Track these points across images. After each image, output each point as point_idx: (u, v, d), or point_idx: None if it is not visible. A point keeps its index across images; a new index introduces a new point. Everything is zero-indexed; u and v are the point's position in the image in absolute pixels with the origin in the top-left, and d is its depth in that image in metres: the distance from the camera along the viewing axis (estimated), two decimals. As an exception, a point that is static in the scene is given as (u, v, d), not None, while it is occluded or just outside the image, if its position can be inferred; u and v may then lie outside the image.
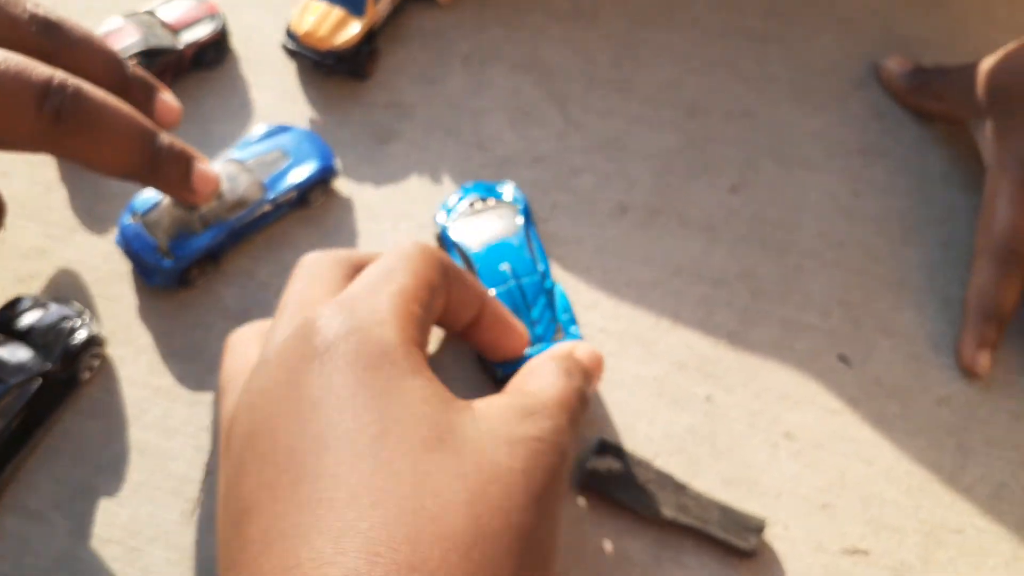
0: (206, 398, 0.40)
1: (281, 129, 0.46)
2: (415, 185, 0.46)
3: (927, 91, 0.48)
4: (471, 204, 0.44)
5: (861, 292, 0.45)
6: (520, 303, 0.41)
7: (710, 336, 0.43)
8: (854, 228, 0.46)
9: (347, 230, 0.45)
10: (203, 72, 0.49)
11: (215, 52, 0.48)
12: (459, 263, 0.42)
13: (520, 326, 0.39)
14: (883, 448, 0.41)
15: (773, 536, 0.38)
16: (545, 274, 0.42)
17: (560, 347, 0.37)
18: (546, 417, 0.31)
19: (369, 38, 0.48)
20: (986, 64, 0.45)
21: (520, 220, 0.43)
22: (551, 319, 0.41)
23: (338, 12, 0.47)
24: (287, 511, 0.26)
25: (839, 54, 0.51)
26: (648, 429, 0.41)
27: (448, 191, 0.46)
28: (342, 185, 0.46)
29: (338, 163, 0.46)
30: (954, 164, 0.48)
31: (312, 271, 0.34)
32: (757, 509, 0.39)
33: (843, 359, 0.43)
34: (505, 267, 0.42)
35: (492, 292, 0.41)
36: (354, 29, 0.47)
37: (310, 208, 0.45)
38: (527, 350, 0.40)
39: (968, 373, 0.43)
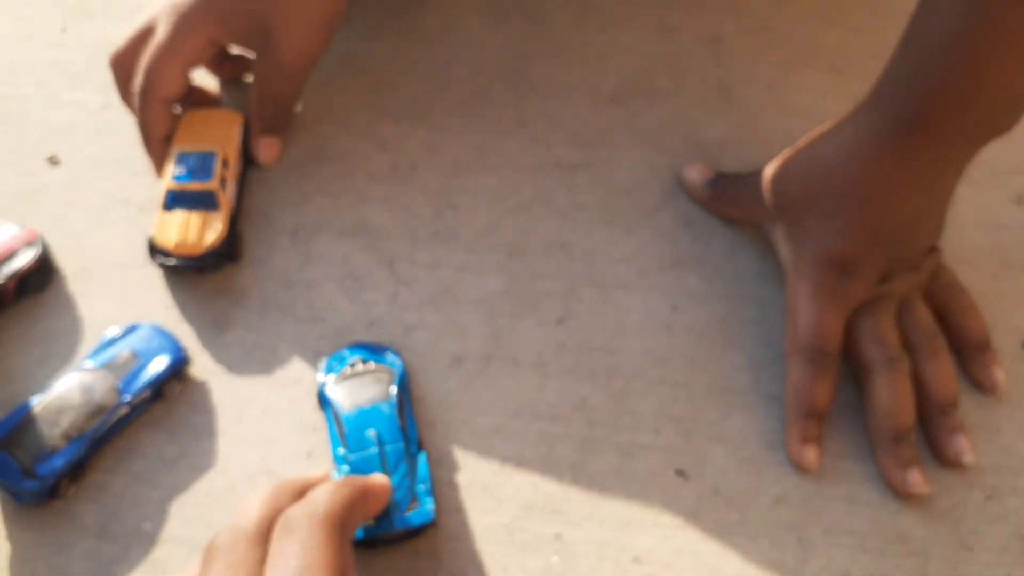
0: (66, 629, 0.41)
1: (130, 329, 0.48)
2: (255, 369, 0.48)
3: (725, 198, 0.51)
4: (352, 365, 0.46)
5: (689, 404, 0.47)
6: (380, 470, 0.43)
7: (553, 472, 0.45)
8: (675, 342, 0.49)
9: (192, 431, 0.46)
10: (31, 297, 0.50)
11: (38, 277, 0.49)
12: (331, 422, 0.44)
13: (379, 485, 0.41)
14: (728, 557, 0.43)
15: (627, 670, 0.40)
16: (412, 441, 0.44)
17: None
18: None
19: (233, 224, 0.50)
20: (768, 172, 0.48)
21: (394, 389, 0.45)
22: (409, 488, 0.43)
23: (196, 215, 0.49)
24: None
25: (645, 170, 0.54)
26: (499, 582, 0.42)
27: (291, 371, 0.48)
28: (197, 369, 0.48)
29: (188, 352, 0.47)
30: (765, 261, 0.51)
31: (229, 559, 0.35)
32: (612, 643, 0.41)
33: (680, 473, 0.45)
34: (371, 433, 0.44)
35: (345, 469, 0.43)
36: (218, 224, 0.49)
37: (166, 401, 0.47)
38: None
39: (799, 468, 0.45)
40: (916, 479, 0.44)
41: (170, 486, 0.45)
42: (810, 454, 0.45)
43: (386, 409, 0.44)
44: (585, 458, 0.46)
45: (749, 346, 0.49)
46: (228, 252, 0.50)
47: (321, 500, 0.36)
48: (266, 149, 0.54)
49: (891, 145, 0.43)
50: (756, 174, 0.49)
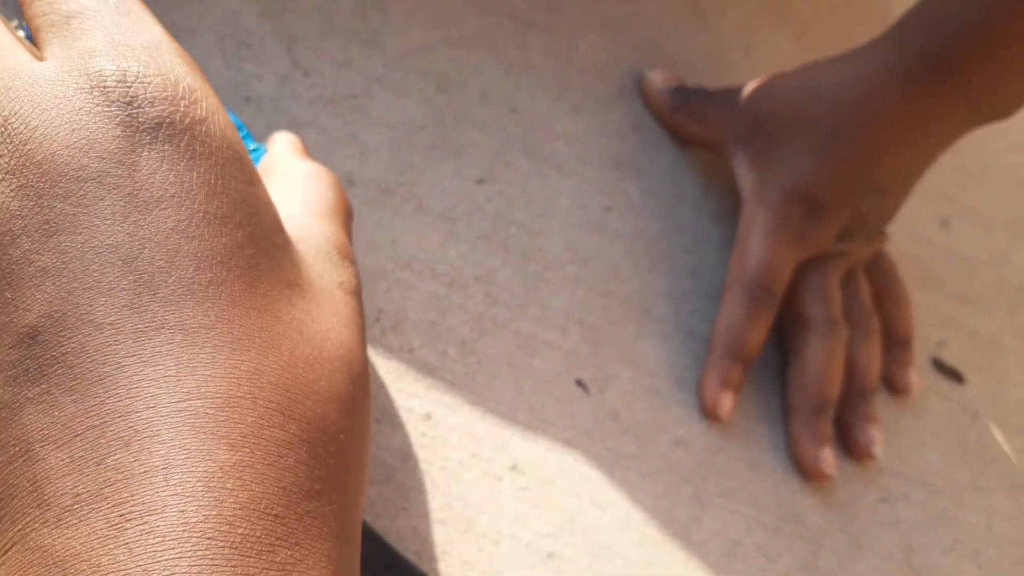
0: None
1: None
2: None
3: (688, 111, 0.44)
4: None
5: (604, 314, 0.40)
6: None
7: (438, 343, 0.36)
8: (602, 244, 0.41)
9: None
10: None
11: None
12: None
13: None
14: (617, 491, 0.36)
15: (490, 591, 0.31)
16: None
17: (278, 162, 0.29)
18: (351, 261, 0.26)
19: None
20: (748, 89, 0.43)
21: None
22: None
23: None
24: None
25: (605, 57, 0.46)
26: (351, 447, 0.32)
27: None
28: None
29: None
30: (707, 192, 0.45)
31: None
32: (473, 555, 0.32)
33: (581, 384, 0.38)
34: None
35: None
36: None
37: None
38: None
39: (709, 415, 0.39)
40: (828, 459, 0.39)
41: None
42: (726, 401, 0.39)
43: None
44: (478, 337, 0.37)
45: (676, 274, 0.42)
46: None
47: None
48: None
49: (905, 82, 0.39)
50: (728, 91, 0.44)
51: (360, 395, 0.22)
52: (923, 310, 0.47)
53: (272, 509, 0.18)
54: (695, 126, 0.44)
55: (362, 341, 0.24)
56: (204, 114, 0.21)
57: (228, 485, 0.17)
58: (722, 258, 0.43)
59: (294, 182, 0.27)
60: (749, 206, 0.41)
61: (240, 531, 0.17)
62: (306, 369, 0.20)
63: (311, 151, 0.38)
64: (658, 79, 0.46)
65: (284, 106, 0.38)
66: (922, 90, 0.39)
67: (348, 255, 0.25)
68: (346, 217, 0.27)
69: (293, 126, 0.38)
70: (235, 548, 0.17)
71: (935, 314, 0.47)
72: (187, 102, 0.21)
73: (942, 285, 0.49)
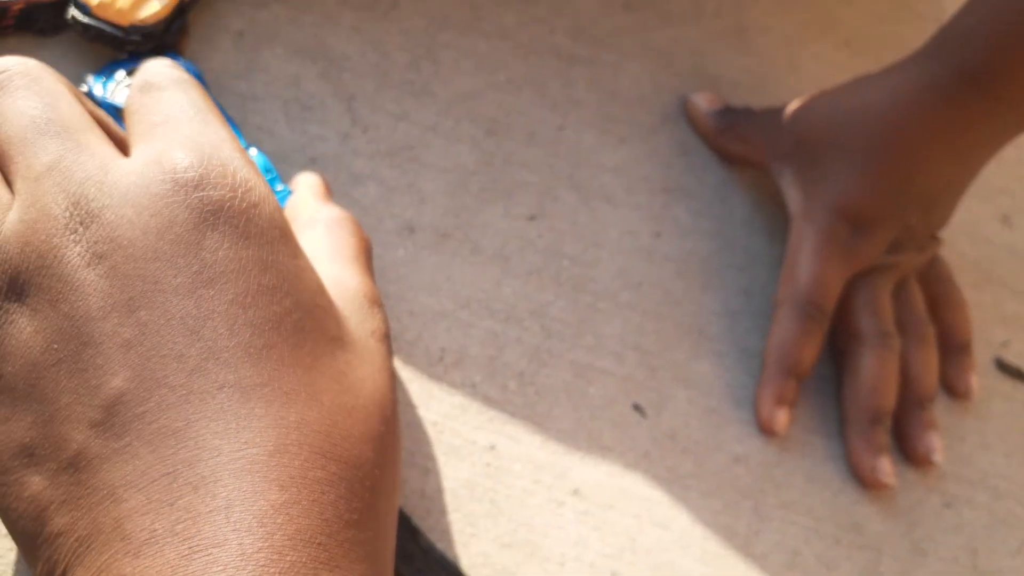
0: None
1: None
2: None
3: (733, 132, 0.46)
4: (129, 72, 0.39)
5: (658, 338, 0.41)
6: None
7: (497, 377, 0.38)
8: (653, 269, 0.43)
9: None
10: None
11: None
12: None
13: None
14: (677, 510, 0.37)
15: (556, 611, 0.33)
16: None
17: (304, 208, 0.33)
18: (379, 306, 0.29)
19: (180, 11, 0.40)
20: (792, 107, 0.44)
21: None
22: None
23: None
24: None
25: (648, 85, 0.48)
26: (421, 482, 0.35)
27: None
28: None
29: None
30: (757, 210, 0.46)
31: (43, 85, 0.25)
32: (539, 578, 0.34)
33: (638, 409, 0.39)
34: None
35: None
36: (160, 1, 0.39)
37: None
38: None
39: (765, 431, 0.40)
40: (886, 468, 0.40)
41: None
42: (782, 417, 0.40)
43: None
44: (535, 369, 0.39)
45: (728, 293, 0.44)
46: (162, 41, 0.40)
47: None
48: None
49: (945, 96, 0.39)
50: (772, 111, 0.45)
51: (391, 433, 0.25)
52: (984, 310, 0.47)
53: (316, 538, 0.21)
54: (740, 147, 0.46)
55: (392, 384, 0.27)
56: (257, 199, 0.25)
57: (278, 520, 0.20)
58: (774, 275, 0.44)
59: (319, 232, 0.30)
60: (797, 224, 0.42)
61: (289, 558, 0.20)
62: (344, 416, 0.23)
63: (372, 203, 0.40)
64: (703, 102, 0.47)
65: (346, 163, 0.41)
66: (961, 103, 0.39)
67: (376, 301, 0.28)
68: (368, 259, 0.31)
69: (355, 180, 0.41)
70: (284, 573, 0.20)
71: (997, 313, 0.48)
72: (243, 189, 0.25)
73: (1004, 283, 0.49)
